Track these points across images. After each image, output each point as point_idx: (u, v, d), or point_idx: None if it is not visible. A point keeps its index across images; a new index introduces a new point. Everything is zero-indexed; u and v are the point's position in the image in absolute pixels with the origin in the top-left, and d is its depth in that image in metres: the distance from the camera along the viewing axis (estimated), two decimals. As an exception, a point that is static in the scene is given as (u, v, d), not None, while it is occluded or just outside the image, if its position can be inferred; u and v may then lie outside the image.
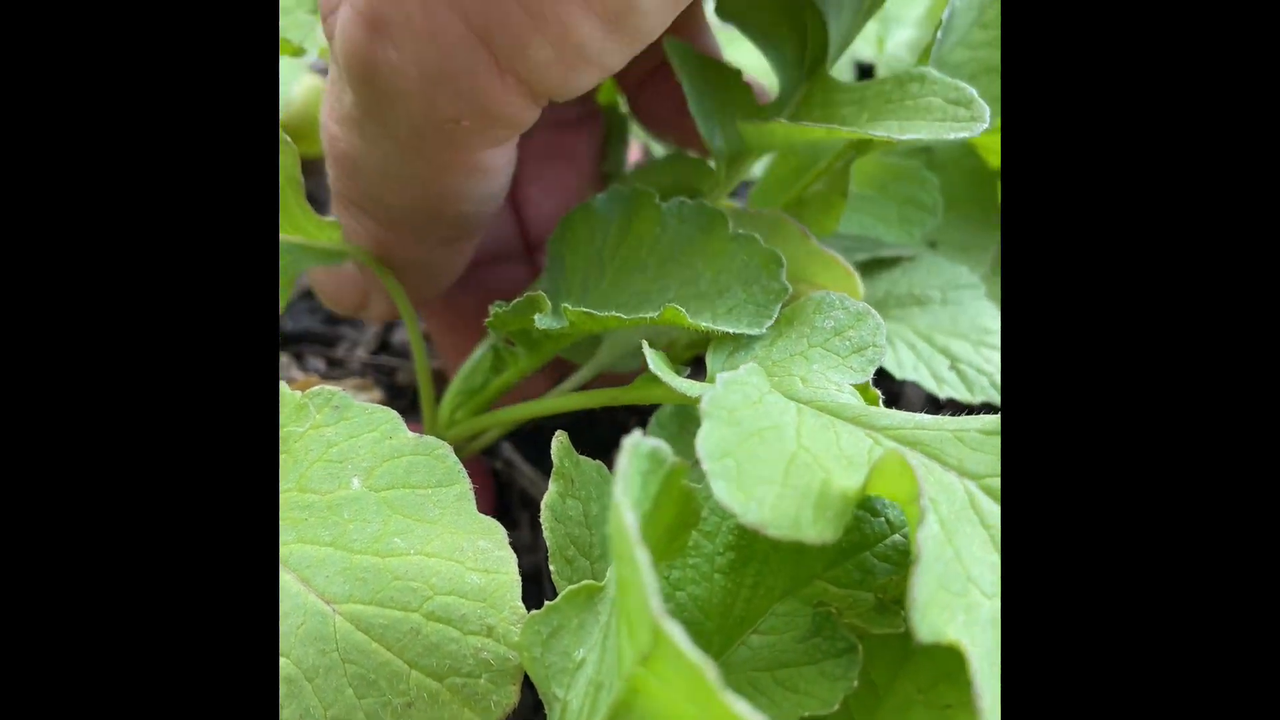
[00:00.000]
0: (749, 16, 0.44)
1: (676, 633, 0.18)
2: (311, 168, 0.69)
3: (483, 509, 0.34)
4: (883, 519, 0.31)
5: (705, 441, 0.26)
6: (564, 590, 0.30)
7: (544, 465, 0.54)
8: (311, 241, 0.41)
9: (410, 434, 0.34)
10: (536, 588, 0.50)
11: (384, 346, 0.64)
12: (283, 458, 0.35)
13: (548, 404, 0.41)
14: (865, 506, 0.31)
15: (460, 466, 0.34)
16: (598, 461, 0.36)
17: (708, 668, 0.17)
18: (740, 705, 0.17)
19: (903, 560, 0.30)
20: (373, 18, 0.31)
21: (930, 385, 0.47)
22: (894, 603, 0.30)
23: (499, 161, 0.36)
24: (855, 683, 0.29)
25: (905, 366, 0.47)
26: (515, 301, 0.37)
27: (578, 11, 0.29)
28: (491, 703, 0.31)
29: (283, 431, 0.35)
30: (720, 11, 0.44)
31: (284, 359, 0.61)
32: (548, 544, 0.32)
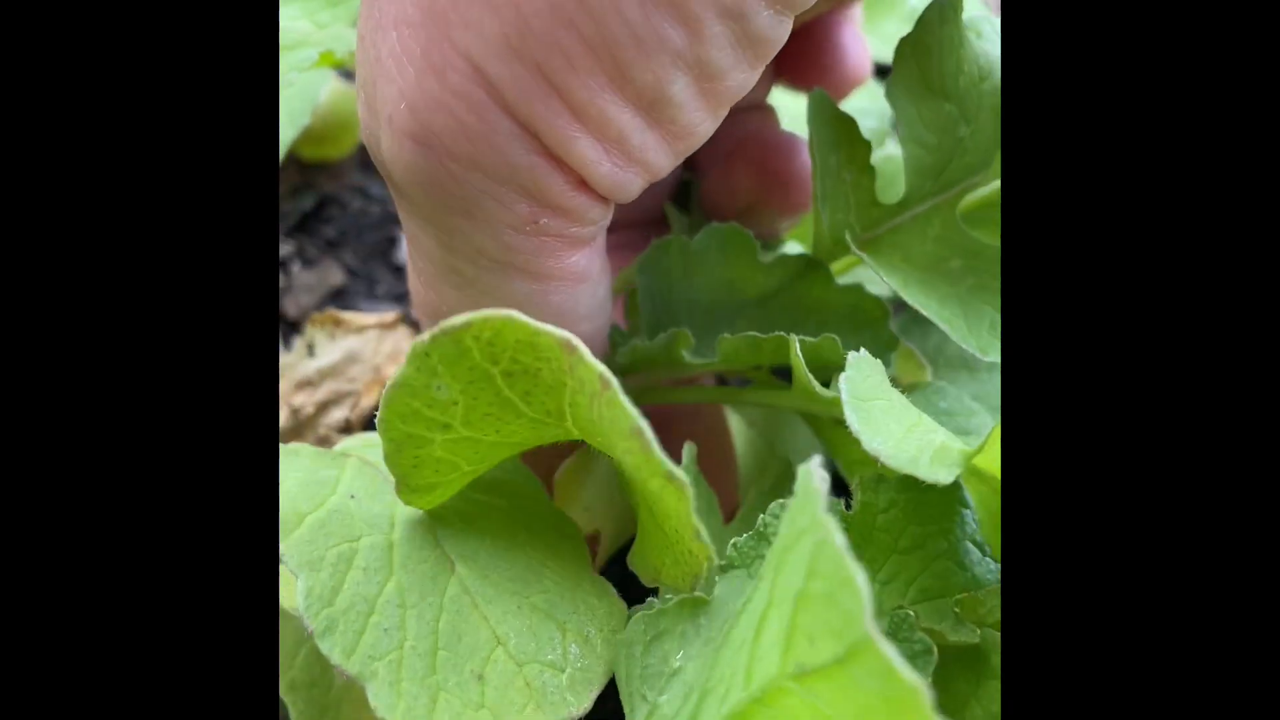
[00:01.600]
0: (916, 102, 0.41)
1: (888, 649, 0.18)
2: (333, 170, 0.70)
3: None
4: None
5: (847, 385, 0.31)
6: (672, 600, 0.32)
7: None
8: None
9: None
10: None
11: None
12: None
13: (660, 394, 0.43)
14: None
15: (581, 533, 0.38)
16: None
17: (923, 690, 0.18)
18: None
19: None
20: (421, 134, 0.30)
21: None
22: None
23: (594, 266, 0.35)
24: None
25: None
26: (661, 339, 0.39)
27: (612, 104, 0.29)
28: (564, 700, 0.33)
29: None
30: (895, 86, 0.41)
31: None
32: None
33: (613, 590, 0.36)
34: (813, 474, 0.22)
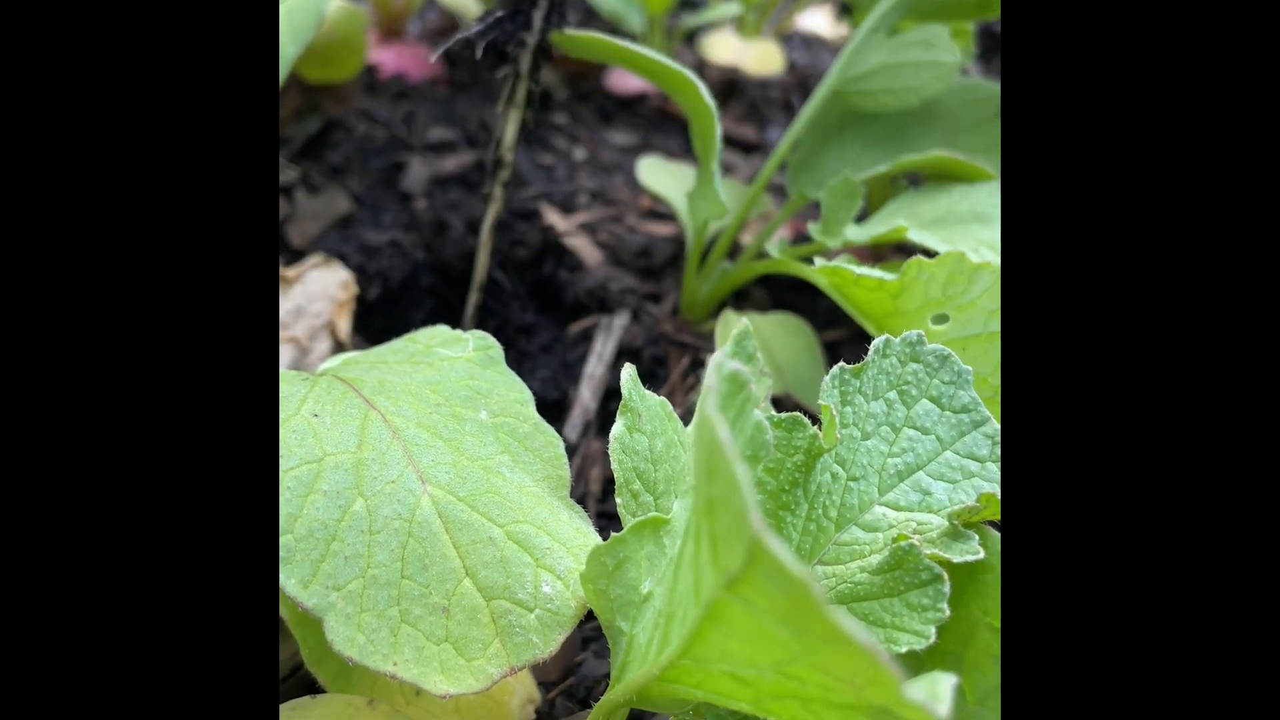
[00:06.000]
0: None
1: (777, 546, 0.18)
2: (339, 93, 0.69)
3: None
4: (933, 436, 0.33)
5: None
6: (629, 523, 0.31)
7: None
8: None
9: (537, 415, 0.38)
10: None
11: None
12: (429, 372, 0.38)
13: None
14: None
15: (565, 459, 0.37)
16: (661, 397, 0.36)
17: (812, 581, 0.17)
18: (847, 620, 0.17)
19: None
20: None
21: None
22: (968, 527, 0.31)
23: None
24: (946, 613, 0.29)
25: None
26: None
27: None
28: (530, 643, 0.32)
29: (437, 356, 0.39)
30: None
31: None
32: (616, 477, 0.33)
33: (590, 524, 0.36)
34: (713, 368, 0.21)
